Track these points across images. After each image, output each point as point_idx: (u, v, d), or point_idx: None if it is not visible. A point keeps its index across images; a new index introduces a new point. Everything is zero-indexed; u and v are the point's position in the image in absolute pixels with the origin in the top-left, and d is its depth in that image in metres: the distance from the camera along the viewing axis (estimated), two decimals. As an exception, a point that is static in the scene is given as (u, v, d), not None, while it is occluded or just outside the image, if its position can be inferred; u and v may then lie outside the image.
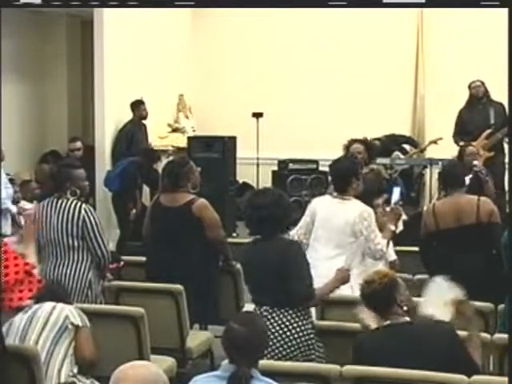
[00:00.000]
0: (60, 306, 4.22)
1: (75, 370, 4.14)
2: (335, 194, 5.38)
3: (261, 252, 4.28)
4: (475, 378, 3.46)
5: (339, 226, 5.21)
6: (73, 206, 5.12)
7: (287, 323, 4.16)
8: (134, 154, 9.22)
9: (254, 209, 4.30)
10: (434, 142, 9.64)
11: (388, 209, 5.59)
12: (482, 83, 8.95)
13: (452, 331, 3.66)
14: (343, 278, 4.45)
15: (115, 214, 9.15)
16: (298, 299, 4.19)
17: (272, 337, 4.09)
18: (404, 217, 5.88)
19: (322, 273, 4.77)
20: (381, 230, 5.37)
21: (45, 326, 4.12)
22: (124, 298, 5.31)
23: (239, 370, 3.04)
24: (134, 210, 8.94)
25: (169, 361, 4.81)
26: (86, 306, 4.87)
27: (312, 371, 3.76)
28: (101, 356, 4.23)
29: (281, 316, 4.16)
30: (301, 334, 4.15)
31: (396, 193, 5.83)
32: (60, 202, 5.17)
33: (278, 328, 4.14)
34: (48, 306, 4.21)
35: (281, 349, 4.13)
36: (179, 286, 5.18)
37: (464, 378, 3.44)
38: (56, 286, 4.70)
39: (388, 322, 3.74)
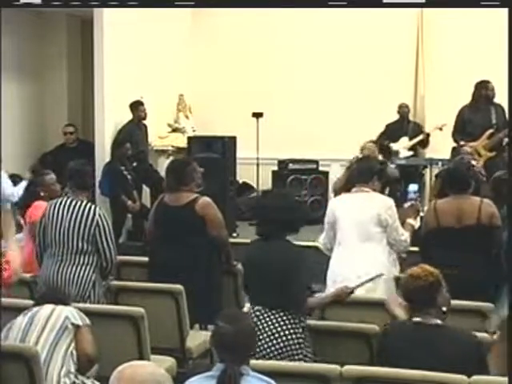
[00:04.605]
0: (59, 307, 4.20)
1: (74, 370, 4.09)
2: (355, 189, 5.41)
3: (262, 253, 4.32)
4: (475, 377, 3.46)
5: (365, 216, 5.24)
6: (87, 208, 5.05)
7: (276, 325, 4.17)
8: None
9: (259, 209, 4.35)
10: (440, 128, 9.55)
11: (406, 205, 5.61)
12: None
13: (478, 346, 3.64)
14: (341, 295, 4.46)
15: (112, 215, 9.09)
16: (295, 305, 4.23)
17: (261, 337, 4.12)
18: (422, 213, 5.90)
19: (349, 265, 5.03)
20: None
21: (45, 327, 4.09)
22: (124, 298, 5.31)
23: (228, 368, 3.05)
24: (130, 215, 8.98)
25: (169, 361, 4.81)
26: (86, 305, 4.87)
27: (312, 371, 3.76)
28: (100, 356, 4.22)
29: (272, 317, 4.18)
30: (289, 337, 4.16)
31: (413, 189, 5.88)
32: (74, 202, 5.10)
33: (267, 329, 4.17)
34: (48, 308, 4.19)
35: (268, 350, 4.14)
36: (179, 286, 5.17)
37: (464, 377, 3.44)
38: (57, 288, 4.68)
39: (418, 320, 3.72)
